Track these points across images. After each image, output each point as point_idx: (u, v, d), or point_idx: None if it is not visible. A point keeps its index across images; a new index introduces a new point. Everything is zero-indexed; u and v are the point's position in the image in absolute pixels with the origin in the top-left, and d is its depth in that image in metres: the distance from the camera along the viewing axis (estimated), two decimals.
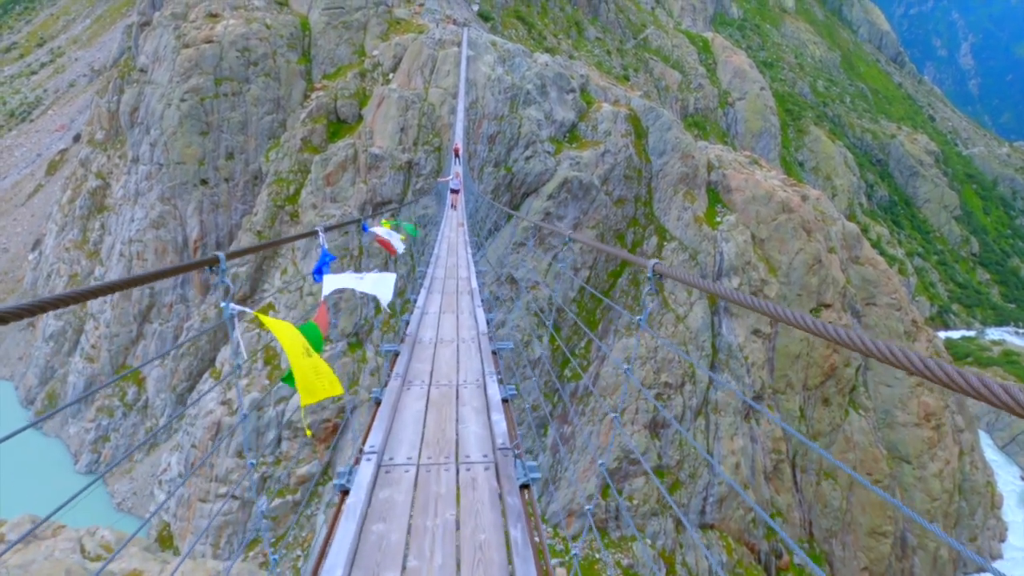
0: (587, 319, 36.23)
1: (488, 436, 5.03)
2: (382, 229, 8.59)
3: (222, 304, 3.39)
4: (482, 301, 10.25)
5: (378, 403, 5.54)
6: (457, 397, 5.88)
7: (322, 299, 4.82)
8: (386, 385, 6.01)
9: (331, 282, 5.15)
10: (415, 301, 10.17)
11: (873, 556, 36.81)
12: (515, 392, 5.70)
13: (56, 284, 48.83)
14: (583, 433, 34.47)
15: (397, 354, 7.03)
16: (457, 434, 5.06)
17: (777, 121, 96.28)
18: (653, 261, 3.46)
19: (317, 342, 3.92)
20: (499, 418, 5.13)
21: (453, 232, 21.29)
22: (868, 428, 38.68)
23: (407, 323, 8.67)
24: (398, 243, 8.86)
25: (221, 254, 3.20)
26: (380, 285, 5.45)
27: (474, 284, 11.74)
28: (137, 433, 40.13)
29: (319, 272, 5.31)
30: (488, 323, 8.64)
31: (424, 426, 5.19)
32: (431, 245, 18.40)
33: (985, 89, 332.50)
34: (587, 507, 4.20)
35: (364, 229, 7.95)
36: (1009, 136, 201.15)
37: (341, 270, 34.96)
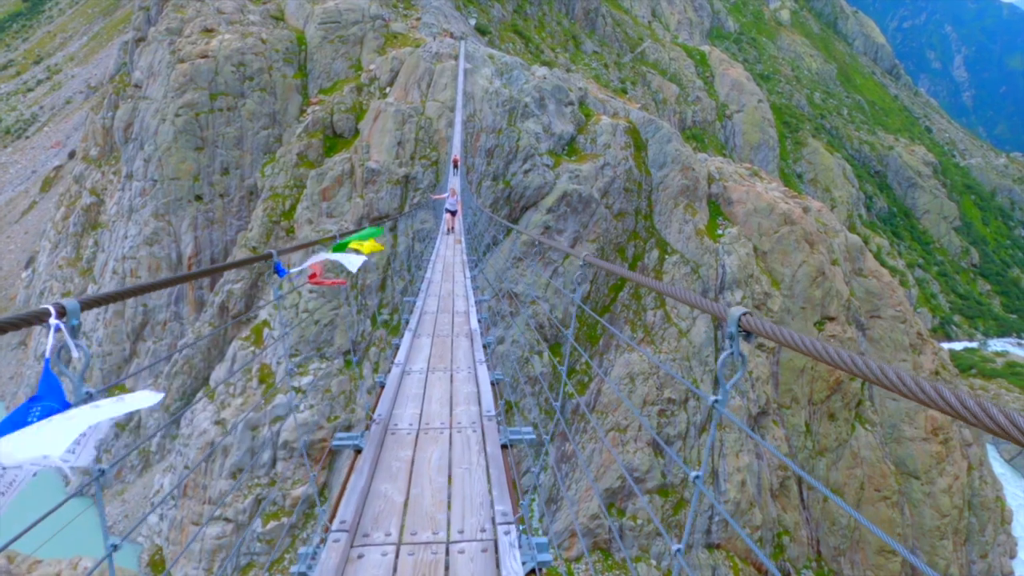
0: (588, 334, 35.61)
1: None
2: (318, 258, 5.38)
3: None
4: (485, 347, 7.84)
5: None
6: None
7: None
8: (322, 543, 3.54)
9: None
10: (396, 345, 7.93)
11: (882, 575, 35.96)
12: (549, 556, 3.50)
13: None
14: (584, 451, 33.74)
15: (358, 452, 4.73)
16: None
17: (775, 133, 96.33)
18: (739, 311, 2.16)
19: None
20: None
21: (449, 250, 19.11)
22: (875, 443, 37.96)
23: (381, 387, 6.23)
24: (347, 264, 5.55)
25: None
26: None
27: (474, 324, 9.12)
28: (129, 454, 39.25)
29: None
30: (494, 385, 6.30)
31: None
32: (424, 268, 15.66)
33: (979, 101, 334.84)
34: (577, 525, 3.35)
35: (279, 271, 4.58)
36: (1004, 147, 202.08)
37: (337, 288, 34.38)
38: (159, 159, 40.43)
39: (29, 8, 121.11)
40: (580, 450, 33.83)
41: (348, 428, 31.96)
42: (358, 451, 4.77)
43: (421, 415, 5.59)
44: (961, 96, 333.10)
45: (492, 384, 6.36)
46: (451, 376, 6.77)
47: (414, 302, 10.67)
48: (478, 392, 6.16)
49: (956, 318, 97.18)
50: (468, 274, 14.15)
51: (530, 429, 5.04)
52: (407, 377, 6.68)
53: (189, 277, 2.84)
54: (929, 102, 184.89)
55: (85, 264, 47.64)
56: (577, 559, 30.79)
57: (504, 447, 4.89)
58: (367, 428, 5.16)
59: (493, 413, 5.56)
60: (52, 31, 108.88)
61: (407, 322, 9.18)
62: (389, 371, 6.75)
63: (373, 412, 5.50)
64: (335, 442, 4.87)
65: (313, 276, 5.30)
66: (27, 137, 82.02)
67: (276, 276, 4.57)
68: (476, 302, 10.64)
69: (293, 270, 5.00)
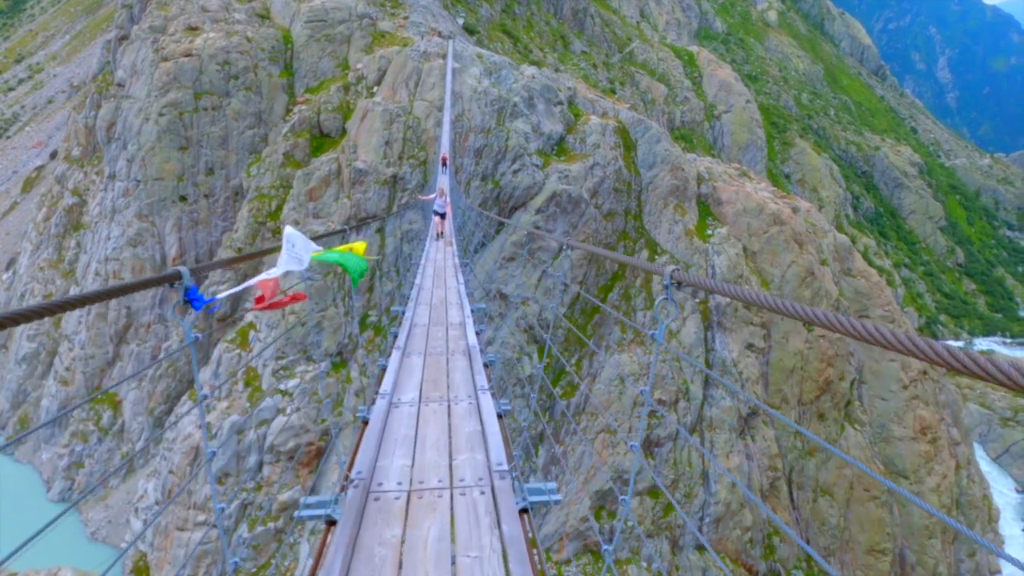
0: (578, 335, 35.36)
1: None
2: (268, 275, 4.18)
3: None
4: (486, 367, 6.78)
5: None
6: None
7: None
8: None
9: None
10: (382, 367, 6.80)
11: (872, 574, 36.00)
12: None
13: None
14: (576, 452, 33.52)
15: (331, 524, 3.81)
16: None
17: (763, 134, 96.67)
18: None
19: None
20: None
21: (440, 253, 17.94)
22: (864, 443, 38.01)
23: (364, 423, 5.25)
24: (293, 260, 4.38)
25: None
26: None
27: (472, 339, 7.92)
28: (112, 459, 38.64)
29: None
30: (501, 418, 5.31)
31: None
32: (413, 272, 14.49)
33: (963, 102, 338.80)
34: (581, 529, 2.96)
35: (192, 300, 2.95)
36: (988, 148, 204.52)
37: (325, 289, 33.95)
38: (142, 159, 39.80)
39: (10, 6, 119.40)
40: (572, 450, 33.62)
41: (338, 432, 31.52)
42: (331, 523, 3.76)
43: (413, 468, 4.51)
44: (945, 97, 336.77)
45: (499, 417, 5.32)
46: (448, 408, 5.71)
47: (402, 312, 9.49)
48: (483, 432, 5.07)
49: (942, 317, 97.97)
50: (461, 279, 13.14)
51: (553, 486, 4.03)
52: (395, 411, 5.62)
53: (66, 306, 2.09)
54: (914, 103, 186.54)
55: (67, 266, 46.85)
56: (567, 562, 30.58)
57: (523, 512, 3.85)
58: (343, 490, 4.10)
59: (506, 467, 4.37)
60: (34, 30, 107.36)
61: (395, 337, 8.07)
62: (373, 402, 5.69)
63: (351, 467, 4.40)
64: (301, 512, 3.83)
65: (260, 299, 3.91)
66: (8, 137, 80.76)
67: (189, 308, 2.91)
68: (472, 311, 9.65)
69: (222, 295, 3.57)
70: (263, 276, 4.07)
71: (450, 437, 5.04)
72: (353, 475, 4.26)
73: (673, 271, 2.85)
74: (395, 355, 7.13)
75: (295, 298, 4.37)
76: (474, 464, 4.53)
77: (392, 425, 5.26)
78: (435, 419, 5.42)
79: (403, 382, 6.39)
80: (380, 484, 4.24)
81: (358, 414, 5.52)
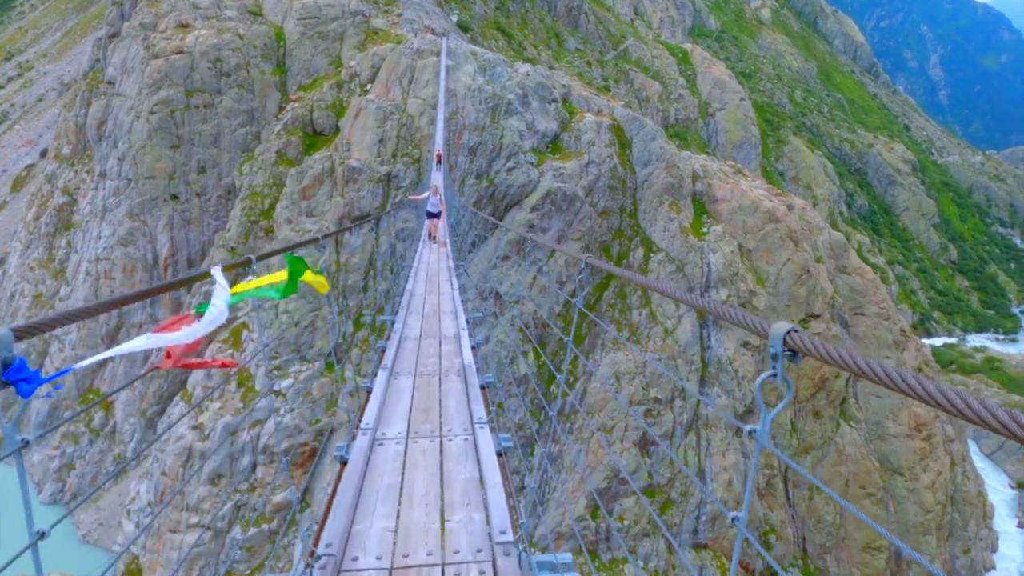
0: (575, 333, 35.21)
1: None
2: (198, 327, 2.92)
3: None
4: (484, 390, 6.05)
5: None
6: None
7: None
8: None
9: None
10: (367, 389, 6.03)
11: (868, 572, 36.04)
12: None
13: (20, 305, 46.86)
14: (571, 451, 33.38)
15: None
16: None
17: (757, 131, 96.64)
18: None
19: None
20: None
21: (433, 256, 16.92)
22: (860, 440, 38.02)
23: (342, 464, 4.59)
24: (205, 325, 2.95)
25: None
26: None
27: (467, 356, 7.06)
28: (104, 460, 38.30)
29: None
30: (501, 457, 4.64)
31: None
32: (404, 277, 13.39)
33: (955, 99, 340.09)
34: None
35: (19, 383, 1.83)
36: (979, 145, 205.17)
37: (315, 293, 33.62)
38: (133, 157, 39.42)
39: (0, 4, 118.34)
40: (566, 451, 33.46)
41: (331, 432, 31.31)
42: None
43: (396, 534, 3.68)
44: (937, 95, 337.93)
45: (499, 456, 4.58)
46: (440, 446, 4.92)
47: (392, 323, 8.69)
48: (481, 480, 4.29)
49: (935, 314, 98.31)
50: (456, 284, 12.22)
51: (568, 559, 3.34)
52: (378, 450, 4.79)
53: None
54: (907, 100, 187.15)
55: (58, 265, 46.41)
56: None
57: None
58: (308, 566, 3.24)
59: (510, 537, 3.55)
60: (24, 27, 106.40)
61: (382, 352, 7.13)
62: (354, 437, 4.91)
63: (319, 534, 3.57)
64: None
65: (171, 354, 2.92)
66: None
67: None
68: (468, 320, 8.85)
69: (81, 365, 2.58)
70: (164, 335, 2.89)
71: (442, 488, 4.29)
72: (321, 548, 3.38)
73: (789, 333, 1.73)
74: (381, 376, 6.32)
75: (224, 364, 3.45)
76: (471, 528, 3.78)
77: (374, 470, 4.52)
78: (425, 462, 4.69)
79: (389, 411, 5.63)
80: (355, 559, 3.43)
81: (335, 454, 4.74)
